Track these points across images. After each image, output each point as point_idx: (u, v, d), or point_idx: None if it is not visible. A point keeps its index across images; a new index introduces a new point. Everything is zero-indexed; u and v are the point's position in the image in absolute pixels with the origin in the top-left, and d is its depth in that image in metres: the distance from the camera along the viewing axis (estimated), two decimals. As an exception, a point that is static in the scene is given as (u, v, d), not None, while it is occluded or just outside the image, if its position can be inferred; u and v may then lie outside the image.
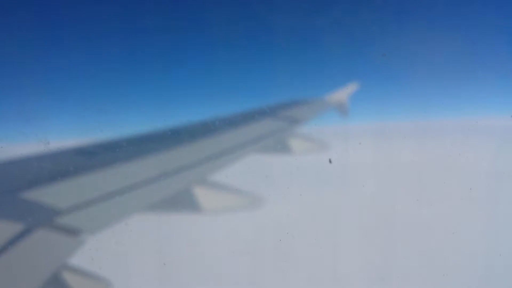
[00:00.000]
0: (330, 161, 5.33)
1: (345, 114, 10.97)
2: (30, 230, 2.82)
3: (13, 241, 2.66)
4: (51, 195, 3.51)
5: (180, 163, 4.77)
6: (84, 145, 5.40)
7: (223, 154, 5.35)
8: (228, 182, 4.45)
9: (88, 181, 3.98)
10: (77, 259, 2.67)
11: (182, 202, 4.08)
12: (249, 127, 7.21)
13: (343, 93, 12.23)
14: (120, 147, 5.36)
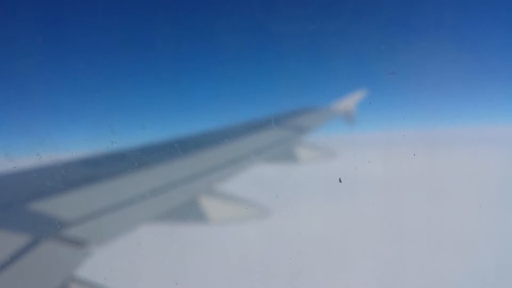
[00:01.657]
0: (340, 181, 5.32)
1: (352, 123, 10.95)
2: (38, 241, 2.83)
3: (20, 252, 2.67)
4: (58, 206, 3.53)
5: (187, 173, 4.78)
6: (91, 156, 5.43)
7: (230, 164, 5.35)
8: (235, 192, 4.44)
9: (95, 192, 3.99)
10: (85, 271, 2.67)
11: (189, 212, 4.09)
12: (255, 137, 7.22)
13: (350, 101, 12.21)
14: (127, 158, 5.38)
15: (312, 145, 6.89)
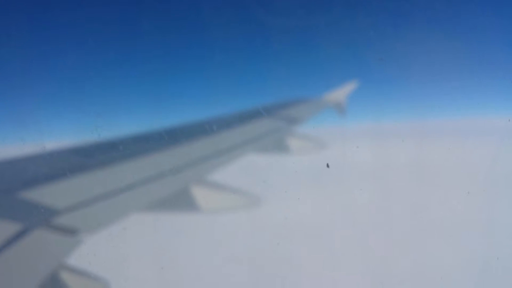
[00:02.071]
0: (327, 166, 5.35)
1: (342, 114, 10.99)
2: (28, 230, 2.83)
3: (10, 241, 2.67)
4: (48, 195, 3.52)
5: (177, 163, 4.78)
6: (81, 146, 5.41)
7: (220, 154, 5.36)
8: (226, 182, 4.46)
9: (85, 181, 3.99)
10: (75, 259, 2.68)
11: (180, 202, 4.10)
12: (246, 127, 7.22)
13: (341, 93, 12.24)
14: (118, 147, 5.37)
15: (303, 136, 6.92)
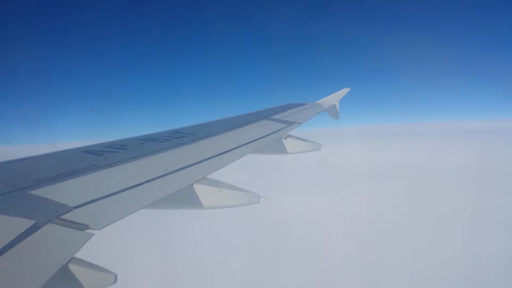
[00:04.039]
0: (320, 164, 5.32)
1: (336, 117, 10.99)
2: (40, 225, 2.79)
3: (23, 235, 2.63)
4: (60, 192, 3.48)
5: (181, 162, 4.75)
6: (91, 145, 5.37)
7: (222, 154, 5.33)
8: (227, 180, 4.43)
9: (95, 179, 3.95)
10: (85, 253, 2.64)
11: (184, 199, 4.06)
12: (246, 129, 7.21)
13: (334, 98, 12.24)
14: (125, 147, 5.34)
15: (299, 138, 6.90)
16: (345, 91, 12.32)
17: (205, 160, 4.97)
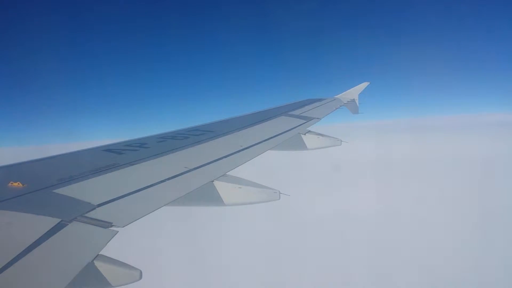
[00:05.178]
0: (336, 168, 5.27)
1: (355, 112, 10.87)
2: (65, 223, 2.84)
3: (50, 234, 2.68)
4: (83, 190, 3.54)
5: (201, 159, 4.77)
6: (112, 144, 5.44)
7: (242, 151, 5.33)
8: (247, 177, 4.42)
9: (117, 177, 4.00)
10: (110, 250, 2.68)
11: (205, 196, 4.07)
12: (265, 125, 7.19)
13: (353, 92, 12.09)
14: (146, 145, 5.39)
15: (318, 133, 6.85)
16: (364, 85, 12.16)
17: (225, 157, 4.98)
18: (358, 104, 11.02)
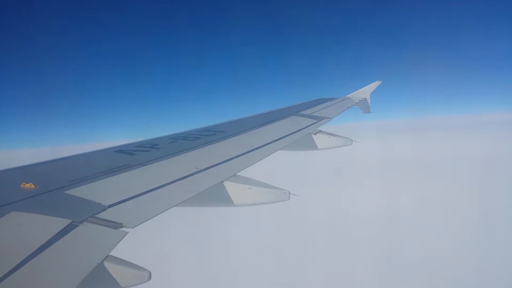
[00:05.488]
0: (347, 169, 5.24)
1: (367, 111, 10.77)
2: (76, 224, 2.86)
3: (61, 234, 2.70)
4: (94, 191, 3.56)
5: (212, 160, 4.77)
6: (123, 145, 5.47)
7: (252, 151, 5.32)
8: (257, 177, 4.41)
9: (128, 178, 4.02)
10: (120, 251, 2.69)
11: (215, 196, 4.07)
12: (276, 126, 7.17)
13: (365, 91, 11.98)
14: (157, 146, 5.41)
15: (329, 133, 6.80)
16: (376, 84, 12.05)
17: (235, 157, 4.97)
18: (370, 103, 10.93)
